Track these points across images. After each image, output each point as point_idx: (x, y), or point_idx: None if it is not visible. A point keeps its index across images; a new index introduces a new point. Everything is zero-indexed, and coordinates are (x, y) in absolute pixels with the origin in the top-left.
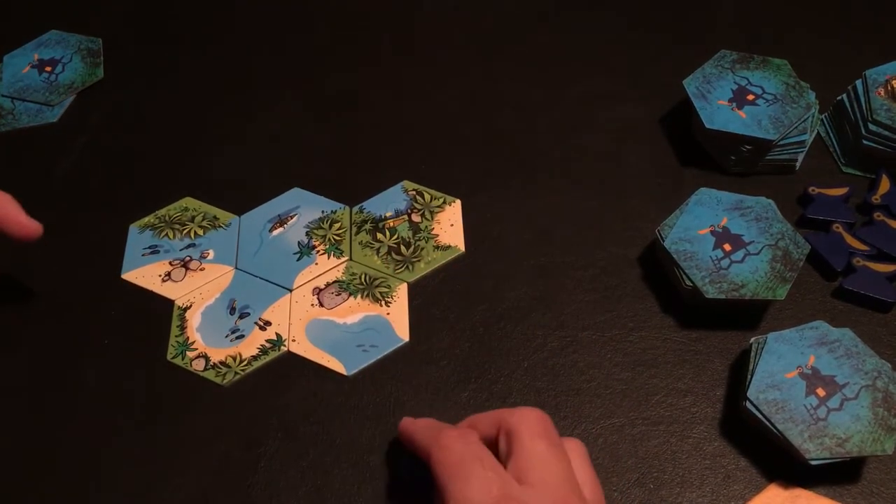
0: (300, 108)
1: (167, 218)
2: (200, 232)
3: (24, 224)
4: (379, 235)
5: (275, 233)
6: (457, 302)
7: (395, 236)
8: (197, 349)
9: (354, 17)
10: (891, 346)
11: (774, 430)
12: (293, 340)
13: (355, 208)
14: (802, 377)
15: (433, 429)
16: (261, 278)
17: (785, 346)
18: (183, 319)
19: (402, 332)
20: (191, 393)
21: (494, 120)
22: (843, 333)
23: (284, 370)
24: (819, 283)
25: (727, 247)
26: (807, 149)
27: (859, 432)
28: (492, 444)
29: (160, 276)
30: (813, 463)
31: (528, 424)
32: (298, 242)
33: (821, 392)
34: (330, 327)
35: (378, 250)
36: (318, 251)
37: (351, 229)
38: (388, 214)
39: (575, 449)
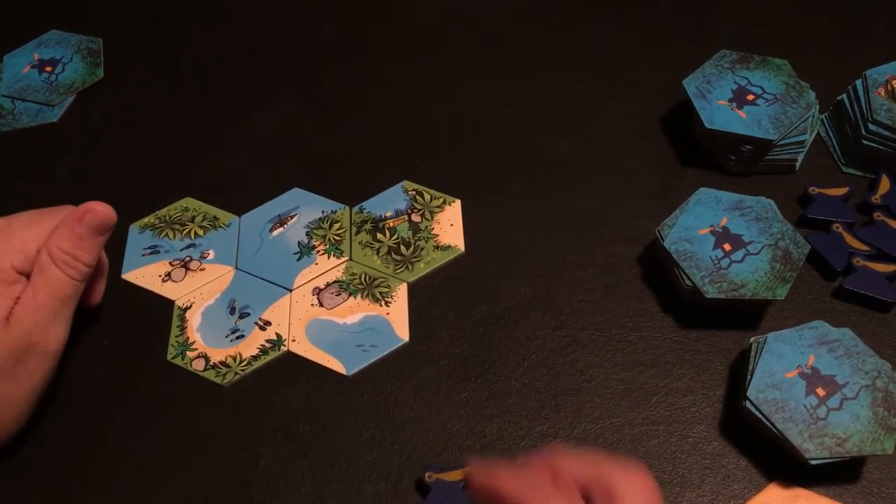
0: (300, 108)
1: (167, 218)
2: (200, 232)
3: (97, 295)
4: (379, 235)
5: (275, 233)
6: (457, 302)
7: (395, 236)
8: (197, 349)
9: (354, 16)
10: (891, 346)
11: (774, 430)
12: (293, 340)
13: (355, 208)
14: (802, 377)
15: (527, 484)
16: (261, 278)
17: (785, 346)
18: (183, 319)
19: (402, 332)
20: (191, 393)
21: (494, 120)
22: (842, 333)
23: (284, 370)
24: (819, 282)
25: (727, 246)
26: (807, 149)
27: (859, 432)
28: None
29: (160, 276)
30: (813, 462)
31: (634, 493)
32: (298, 242)
33: (820, 392)
34: (330, 327)
35: (378, 250)
36: (318, 251)
37: (351, 229)
38: (388, 214)
39: None
